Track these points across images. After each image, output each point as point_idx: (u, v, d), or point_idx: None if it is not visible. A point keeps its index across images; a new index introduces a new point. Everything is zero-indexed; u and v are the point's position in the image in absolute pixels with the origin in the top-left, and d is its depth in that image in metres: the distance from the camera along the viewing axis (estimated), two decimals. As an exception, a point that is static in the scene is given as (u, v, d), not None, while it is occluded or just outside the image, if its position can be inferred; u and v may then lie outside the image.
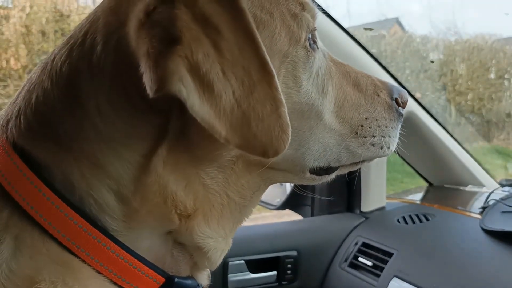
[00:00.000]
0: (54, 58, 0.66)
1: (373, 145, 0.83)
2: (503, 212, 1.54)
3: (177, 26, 0.54)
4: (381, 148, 0.84)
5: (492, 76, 9.17)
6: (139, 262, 0.65)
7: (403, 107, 0.89)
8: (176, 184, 0.64)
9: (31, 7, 5.42)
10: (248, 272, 1.59)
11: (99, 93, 0.62)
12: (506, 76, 9.28)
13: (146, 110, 0.61)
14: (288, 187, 1.86)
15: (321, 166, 0.80)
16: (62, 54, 0.65)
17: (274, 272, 1.64)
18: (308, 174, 0.80)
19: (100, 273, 0.63)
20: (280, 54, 0.70)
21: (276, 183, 0.83)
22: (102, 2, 0.68)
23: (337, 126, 0.80)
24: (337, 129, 0.80)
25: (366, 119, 0.83)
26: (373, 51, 1.67)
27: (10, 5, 5.41)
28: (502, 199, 1.63)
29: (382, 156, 0.86)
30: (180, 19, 0.54)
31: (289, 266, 1.65)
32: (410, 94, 1.77)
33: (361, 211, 1.82)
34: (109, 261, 0.63)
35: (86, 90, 0.63)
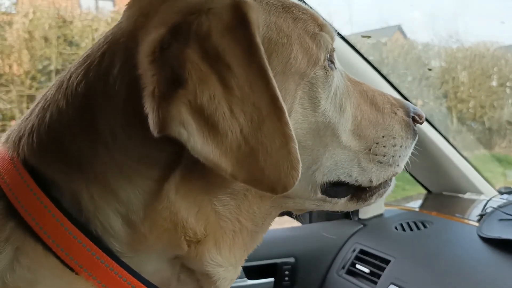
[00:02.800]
0: (70, 77, 0.66)
1: (381, 162, 0.82)
2: (501, 219, 1.54)
3: (185, 67, 0.55)
4: (389, 165, 0.83)
5: (494, 83, 9.17)
6: (142, 285, 0.65)
7: (422, 123, 0.89)
8: (187, 211, 0.64)
9: (34, 13, 5.46)
10: (246, 279, 1.59)
11: (113, 117, 0.62)
12: (508, 83, 9.27)
13: (159, 137, 0.60)
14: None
15: (330, 180, 0.78)
16: (79, 74, 0.65)
17: (272, 279, 1.64)
18: (319, 195, 0.78)
19: None
20: (297, 76, 0.70)
21: (287, 209, 0.81)
22: (121, 22, 0.68)
23: (353, 143, 0.79)
24: (352, 146, 0.79)
25: (383, 137, 0.83)
26: (370, 58, 1.67)
27: (14, 11, 5.44)
28: (500, 206, 1.62)
29: (392, 174, 0.84)
30: (190, 59, 0.55)
31: (286, 272, 1.65)
32: (408, 101, 1.77)
33: (359, 218, 1.82)
34: (111, 283, 0.63)
35: (101, 112, 0.63)
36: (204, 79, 0.55)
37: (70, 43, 5.22)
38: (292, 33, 0.70)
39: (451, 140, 2.00)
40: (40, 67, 5.08)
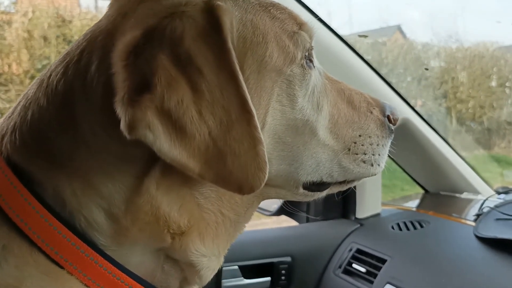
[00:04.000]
0: (50, 75, 0.68)
1: (364, 162, 0.84)
2: (497, 219, 1.54)
3: (155, 73, 0.56)
4: (371, 165, 0.85)
5: (493, 84, 9.17)
6: (127, 277, 0.66)
7: (394, 124, 0.91)
8: (169, 205, 0.66)
9: (33, 12, 5.46)
10: (242, 278, 1.59)
11: (92, 114, 0.63)
12: (507, 84, 9.27)
13: None
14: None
15: (314, 181, 0.81)
16: (58, 72, 0.67)
17: (268, 278, 1.64)
18: (301, 190, 0.81)
19: (87, 286, 0.63)
20: (273, 73, 0.71)
21: (269, 198, 0.84)
22: (101, 21, 0.70)
23: (331, 142, 0.81)
24: (330, 145, 0.80)
25: (360, 136, 0.84)
26: (369, 57, 1.67)
27: (13, 10, 5.44)
28: (496, 206, 1.63)
29: (372, 174, 0.87)
30: (161, 65, 0.57)
31: (283, 272, 1.65)
32: (405, 101, 1.78)
33: (356, 218, 1.82)
34: (97, 275, 0.64)
35: (80, 109, 0.64)
36: (173, 84, 0.57)
37: (70, 43, 5.21)
38: (268, 31, 0.71)
39: (450, 140, 2.01)
40: (39, 66, 5.08)
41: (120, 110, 0.56)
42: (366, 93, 0.90)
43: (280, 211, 1.91)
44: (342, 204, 1.86)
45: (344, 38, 1.66)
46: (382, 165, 0.88)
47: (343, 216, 1.86)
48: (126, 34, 0.60)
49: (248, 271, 1.60)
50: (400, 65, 8.43)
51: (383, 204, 1.94)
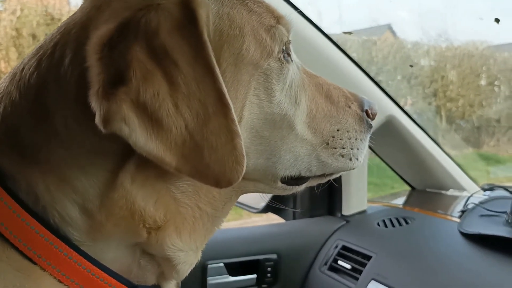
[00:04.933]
0: (23, 68, 0.67)
1: (342, 156, 0.84)
2: (482, 215, 1.55)
3: (130, 65, 0.55)
4: (350, 159, 0.85)
5: (483, 82, 9.23)
6: (102, 272, 0.66)
7: (373, 119, 0.91)
8: (145, 200, 0.65)
9: (22, 10, 5.42)
10: (228, 275, 1.58)
11: (65, 108, 0.62)
12: (496, 82, 9.34)
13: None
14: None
15: (292, 175, 0.81)
16: (31, 65, 0.66)
17: (254, 275, 1.63)
18: (279, 184, 0.81)
19: (61, 282, 0.63)
20: (250, 67, 0.71)
21: (248, 192, 0.83)
22: (75, 14, 0.69)
23: (309, 136, 0.81)
24: (308, 139, 0.80)
25: (338, 130, 0.84)
26: (357, 56, 1.67)
27: (1, 8, 5.40)
28: (481, 202, 1.64)
29: (351, 168, 0.87)
30: (136, 57, 0.56)
31: (269, 269, 1.64)
32: (391, 97, 1.78)
33: (342, 215, 1.82)
34: (70, 271, 0.63)
35: (53, 103, 0.63)
36: (148, 77, 0.56)
37: (58, 41, 5.19)
38: (245, 24, 0.71)
39: (440, 138, 2.01)
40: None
41: (95, 104, 0.55)
42: (344, 88, 0.90)
43: (267, 209, 1.91)
44: (328, 201, 1.86)
45: (334, 37, 1.66)
46: (361, 159, 0.88)
47: (329, 213, 1.86)
48: (100, 27, 0.59)
49: (233, 269, 1.59)
50: (390, 64, 8.46)
51: (370, 201, 1.95)
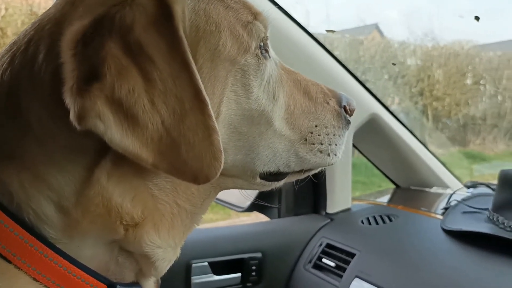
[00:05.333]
0: None
1: (321, 151, 0.85)
2: (464, 212, 1.56)
3: (104, 61, 0.55)
4: (328, 155, 0.86)
5: (468, 81, 9.32)
6: (79, 270, 0.65)
7: (351, 115, 0.92)
8: (122, 196, 0.64)
9: (6, 9, 5.36)
10: (212, 274, 1.58)
11: (40, 105, 0.62)
12: (481, 82, 9.44)
13: None
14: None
15: (270, 171, 0.81)
16: (4, 61, 0.65)
17: (239, 274, 1.63)
18: (258, 180, 0.81)
19: (37, 280, 0.62)
20: (227, 63, 0.71)
21: (227, 189, 0.83)
22: (49, 10, 0.68)
23: (287, 132, 0.81)
24: (287, 135, 0.81)
25: (316, 126, 0.85)
26: (339, 54, 1.67)
27: (-15, 8, 5.34)
28: (463, 199, 1.65)
29: (329, 164, 0.87)
30: (111, 53, 0.56)
31: (253, 268, 1.64)
32: (374, 96, 1.79)
33: (326, 213, 1.82)
34: (46, 269, 0.62)
35: (27, 99, 0.62)
36: (123, 73, 0.56)
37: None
38: (221, 20, 0.71)
39: (426, 137, 2.03)
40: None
41: (69, 100, 0.54)
42: (322, 84, 0.90)
43: (252, 207, 1.91)
44: (313, 199, 1.86)
45: (321, 36, 1.66)
46: (339, 154, 0.88)
47: (314, 212, 1.87)
48: (74, 23, 0.58)
49: (218, 268, 1.59)
50: (377, 63, 8.51)
51: (354, 199, 1.96)
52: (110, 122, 0.55)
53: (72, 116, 0.54)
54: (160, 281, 0.82)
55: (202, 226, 0.87)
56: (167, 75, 0.58)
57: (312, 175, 0.91)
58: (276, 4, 1.44)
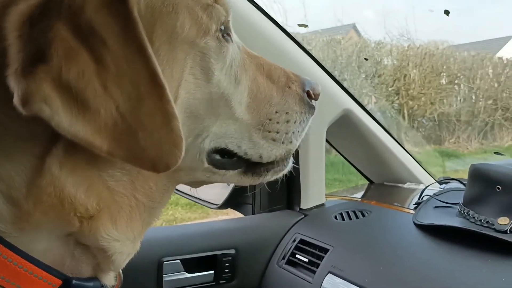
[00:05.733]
0: None
1: (274, 140, 0.83)
2: (436, 207, 1.57)
3: (51, 43, 0.52)
4: (282, 143, 0.84)
5: (443, 81, 9.49)
6: (32, 265, 0.62)
7: (316, 99, 0.90)
8: (75, 186, 0.62)
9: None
10: (184, 272, 1.55)
11: None
12: (456, 81, 9.62)
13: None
14: (232, 185, 1.84)
15: (216, 146, 0.78)
16: None
17: (212, 271, 1.61)
18: (206, 165, 0.78)
19: None
20: (186, 45, 0.69)
21: (182, 183, 0.82)
22: None
23: (245, 116, 0.79)
24: (244, 119, 0.79)
25: (276, 112, 0.83)
26: (317, 53, 1.67)
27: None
28: (435, 194, 1.66)
29: (285, 153, 0.85)
30: (58, 34, 0.53)
31: (227, 265, 1.62)
32: (347, 91, 1.79)
33: (300, 208, 1.82)
34: None
35: None
36: (72, 55, 0.53)
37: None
38: (179, 1, 0.68)
39: (403, 136, 2.04)
40: None
41: (13, 83, 0.52)
42: (288, 69, 0.88)
43: (226, 204, 1.89)
44: (287, 195, 1.85)
45: (299, 36, 1.65)
46: (296, 141, 0.87)
47: (288, 207, 1.86)
48: (20, 3, 0.55)
49: (190, 265, 1.56)
50: (355, 62, 8.59)
51: (329, 195, 1.95)
52: (57, 106, 0.52)
53: (16, 100, 0.51)
54: (122, 276, 0.80)
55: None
56: (121, 58, 0.56)
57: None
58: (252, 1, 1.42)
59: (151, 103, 0.57)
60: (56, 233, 0.65)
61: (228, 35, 0.77)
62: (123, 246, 0.69)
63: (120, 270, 0.78)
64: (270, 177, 0.87)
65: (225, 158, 0.80)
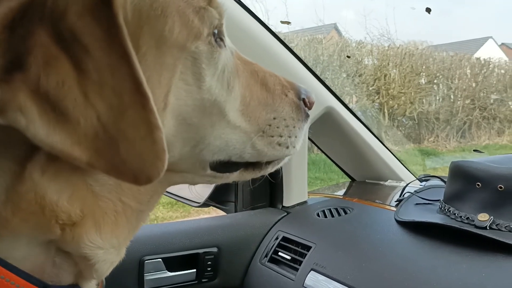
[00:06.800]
0: None
1: (280, 144, 0.82)
2: (417, 204, 1.59)
3: (30, 50, 0.50)
4: (287, 147, 0.84)
5: (423, 81, 9.62)
6: (9, 272, 0.60)
7: (310, 108, 0.89)
8: (58, 193, 0.60)
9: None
10: (166, 271, 1.54)
11: None
12: (435, 81, 9.75)
13: None
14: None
15: (220, 159, 0.77)
16: None
17: (194, 270, 1.59)
18: (209, 171, 0.77)
19: None
20: (175, 50, 0.66)
21: (176, 184, 0.80)
22: None
23: (243, 124, 0.77)
24: (242, 126, 0.77)
25: (274, 118, 0.82)
26: (299, 53, 1.67)
27: None
28: (416, 191, 1.68)
29: (287, 155, 0.86)
30: (38, 40, 0.51)
31: (209, 263, 1.61)
32: (329, 89, 1.79)
33: (283, 206, 1.82)
34: None
35: None
36: (52, 63, 0.51)
37: None
38: (169, 4, 0.65)
39: (383, 135, 2.06)
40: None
41: None
42: (281, 76, 0.87)
43: (208, 202, 1.88)
44: (270, 192, 1.85)
45: (281, 35, 1.65)
46: (298, 147, 0.87)
47: (271, 205, 1.86)
48: (1, 5, 0.53)
49: (172, 264, 1.54)
50: (336, 62, 8.64)
51: (310, 193, 1.96)
52: (33, 116, 0.50)
53: None
54: (104, 282, 0.78)
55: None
56: (104, 66, 0.53)
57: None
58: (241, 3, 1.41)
59: (134, 113, 0.54)
60: (36, 240, 0.63)
61: (221, 39, 0.74)
62: (106, 254, 0.67)
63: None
64: (271, 169, 0.87)
65: (228, 165, 0.80)
